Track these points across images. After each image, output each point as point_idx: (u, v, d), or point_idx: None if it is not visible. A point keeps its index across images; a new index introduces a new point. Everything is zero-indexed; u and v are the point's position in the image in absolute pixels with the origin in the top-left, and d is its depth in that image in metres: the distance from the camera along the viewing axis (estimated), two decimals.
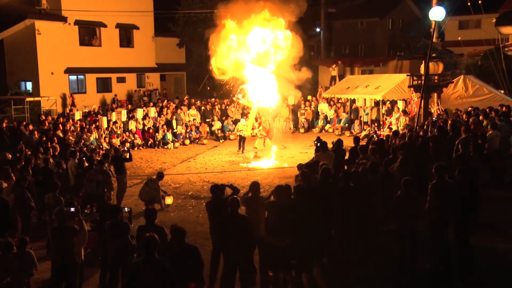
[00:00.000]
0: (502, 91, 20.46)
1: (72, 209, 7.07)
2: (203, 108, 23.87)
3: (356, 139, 11.86)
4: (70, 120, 18.55)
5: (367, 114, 22.20)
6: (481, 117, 13.87)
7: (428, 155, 10.28)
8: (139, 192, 11.41)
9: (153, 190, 11.21)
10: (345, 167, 10.88)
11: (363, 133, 20.21)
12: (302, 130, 23.08)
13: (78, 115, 19.70)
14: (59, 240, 6.69)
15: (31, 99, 23.47)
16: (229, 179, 14.31)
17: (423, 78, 15.14)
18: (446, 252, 7.39)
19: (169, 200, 11.74)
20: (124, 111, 20.36)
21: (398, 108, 20.12)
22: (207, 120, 23.15)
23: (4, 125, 16.33)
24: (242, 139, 18.72)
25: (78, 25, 26.69)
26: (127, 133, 19.90)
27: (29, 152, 12.57)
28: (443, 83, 17.24)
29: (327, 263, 7.92)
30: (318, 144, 11.09)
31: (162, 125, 21.10)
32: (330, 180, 8.06)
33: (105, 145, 17.71)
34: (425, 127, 13.86)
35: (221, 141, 21.50)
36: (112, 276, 6.88)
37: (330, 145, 11.37)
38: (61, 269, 6.66)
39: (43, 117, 18.59)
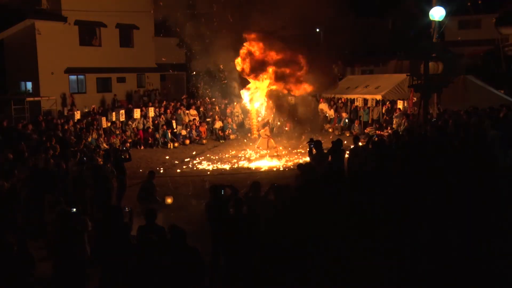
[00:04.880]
0: (502, 91, 20.47)
1: (74, 209, 7.07)
2: (201, 108, 23.90)
3: (356, 139, 11.87)
4: (71, 121, 18.54)
5: (367, 114, 22.22)
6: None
7: (428, 155, 10.28)
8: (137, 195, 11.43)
9: (148, 192, 11.19)
10: (346, 167, 10.93)
11: (370, 131, 20.27)
12: None
13: (77, 115, 19.70)
14: (60, 240, 6.70)
15: (31, 99, 23.47)
16: (229, 179, 14.31)
17: (423, 78, 15.15)
18: (447, 252, 7.40)
19: (169, 200, 11.73)
20: (122, 111, 20.36)
21: (399, 109, 20.13)
22: (207, 119, 23.17)
23: (5, 124, 16.34)
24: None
25: (78, 25, 26.70)
26: (127, 133, 19.92)
27: (27, 153, 12.55)
28: (443, 83, 17.23)
29: (328, 262, 7.92)
30: (312, 146, 11.08)
31: (162, 125, 21.12)
32: (330, 180, 8.08)
33: (104, 145, 17.71)
34: (425, 127, 13.87)
35: (221, 141, 21.51)
36: (112, 276, 6.87)
37: (330, 145, 11.36)
38: (62, 269, 6.66)
39: (41, 117, 18.61)
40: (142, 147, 19.93)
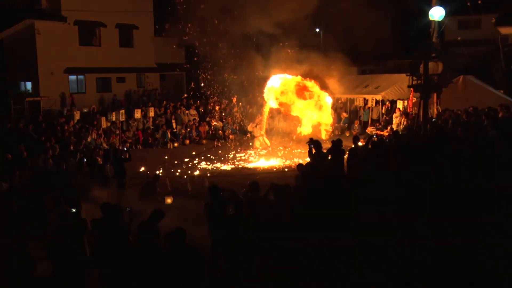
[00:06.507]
0: (502, 91, 20.46)
1: (74, 210, 7.07)
2: (201, 108, 23.90)
3: (356, 139, 11.87)
4: (71, 121, 18.54)
5: (367, 114, 22.23)
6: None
7: (427, 155, 10.28)
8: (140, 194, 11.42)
9: (150, 193, 11.21)
10: (345, 167, 10.93)
11: (371, 131, 20.30)
12: None
13: (77, 116, 19.69)
14: (60, 240, 6.69)
15: (31, 99, 23.47)
16: (229, 179, 14.31)
17: (423, 78, 15.13)
18: (445, 252, 7.40)
19: (169, 200, 11.73)
20: (122, 111, 20.37)
21: (399, 109, 20.13)
22: (207, 119, 23.18)
23: (9, 125, 16.34)
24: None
25: (78, 25, 26.69)
26: (127, 133, 19.91)
27: (25, 153, 12.54)
28: (443, 83, 17.22)
29: (328, 263, 7.91)
30: (312, 146, 11.08)
31: (162, 125, 21.12)
32: (330, 180, 8.07)
33: (104, 145, 17.70)
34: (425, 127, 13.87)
35: (221, 141, 21.51)
36: (112, 276, 6.87)
37: (330, 145, 11.36)
38: (62, 269, 6.66)
39: (41, 118, 18.60)
40: (140, 147, 19.92)
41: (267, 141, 18.61)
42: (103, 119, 19.24)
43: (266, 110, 19.37)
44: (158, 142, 20.43)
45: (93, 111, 22.25)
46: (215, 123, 22.53)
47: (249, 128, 19.10)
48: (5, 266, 6.54)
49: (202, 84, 22.00)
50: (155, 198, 11.35)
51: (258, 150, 18.27)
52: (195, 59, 21.89)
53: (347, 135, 20.97)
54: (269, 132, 20.48)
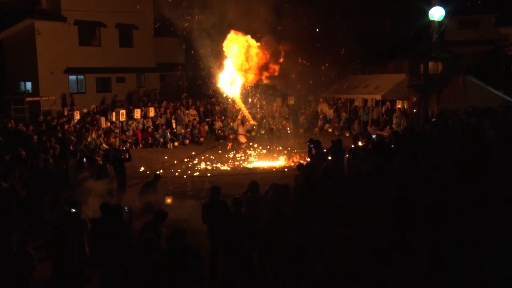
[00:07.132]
0: (502, 91, 20.48)
1: (73, 210, 7.07)
2: (201, 108, 23.91)
3: (355, 139, 11.88)
4: (72, 121, 18.54)
5: (367, 114, 22.23)
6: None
7: (427, 155, 10.29)
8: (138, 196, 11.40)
9: (150, 195, 11.17)
10: (346, 167, 10.94)
11: (373, 130, 20.31)
12: (301, 130, 23.10)
13: (77, 116, 19.67)
14: (60, 240, 6.70)
15: (31, 99, 23.46)
16: (228, 179, 14.31)
17: (422, 78, 15.15)
18: (446, 252, 7.40)
19: (168, 200, 11.71)
20: (123, 111, 20.36)
21: (399, 109, 20.14)
22: (207, 119, 23.19)
23: (10, 125, 16.33)
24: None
25: (78, 25, 26.68)
26: (127, 133, 19.92)
27: (24, 153, 12.51)
28: (443, 83, 17.24)
29: (328, 263, 7.91)
30: (312, 146, 11.09)
31: (162, 125, 21.13)
32: (330, 180, 8.08)
33: (104, 145, 17.70)
34: (425, 126, 13.88)
35: (220, 141, 21.51)
36: (112, 276, 6.87)
37: (330, 145, 11.37)
38: (61, 269, 6.66)
39: (41, 118, 18.60)
40: (141, 146, 19.94)
41: (243, 140, 18.72)
42: (103, 119, 19.24)
43: (239, 102, 19.19)
44: (158, 142, 20.43)
45: (93, 111, 22.24)
46: (217, 124, 22.54)
47: (235, 126, 19.15)
48: (5, 266, 6.54)
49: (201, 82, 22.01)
50: (155, 198, 11.33)
51: (245, 146, 18.40)
52: (192, 52, 21.81)
53: (347, 135, 20.97)
54: (271, 134, 20.47)
